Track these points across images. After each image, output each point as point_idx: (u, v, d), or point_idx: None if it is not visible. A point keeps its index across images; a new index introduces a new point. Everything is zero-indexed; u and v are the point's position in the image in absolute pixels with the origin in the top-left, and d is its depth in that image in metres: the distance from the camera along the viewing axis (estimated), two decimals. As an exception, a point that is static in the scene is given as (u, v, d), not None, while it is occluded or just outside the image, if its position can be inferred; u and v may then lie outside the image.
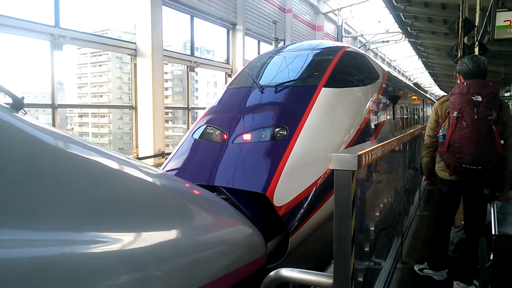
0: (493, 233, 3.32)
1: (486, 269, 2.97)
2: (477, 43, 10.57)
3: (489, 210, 3.45)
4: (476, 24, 10.66)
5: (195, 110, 13.02)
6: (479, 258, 3.12)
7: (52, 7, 8.18)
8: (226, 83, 7.27)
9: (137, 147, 10.35)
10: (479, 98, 3.04)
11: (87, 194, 1.83)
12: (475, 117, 3.02)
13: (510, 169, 3.24)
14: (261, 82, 5.24)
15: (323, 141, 4.36)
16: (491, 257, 2.97)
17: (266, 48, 16.56)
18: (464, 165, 3.08)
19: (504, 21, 8.86)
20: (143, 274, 1.78)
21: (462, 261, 3.41)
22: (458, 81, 3.39)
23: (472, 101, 3.05)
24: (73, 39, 8.55)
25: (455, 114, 3.09)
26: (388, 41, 28.74)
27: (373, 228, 2.55)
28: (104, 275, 1.62)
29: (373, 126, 5.34)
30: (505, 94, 35.83)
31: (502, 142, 3.06)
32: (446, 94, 3.56)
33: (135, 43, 10.22)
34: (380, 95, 5.79)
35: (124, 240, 1.80)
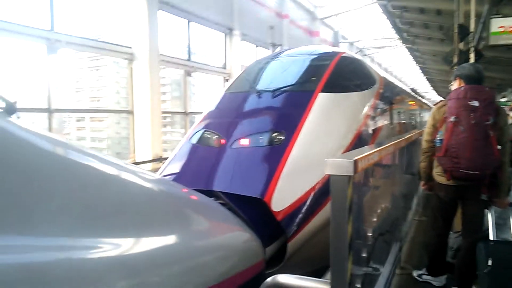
0: (491, 238, 3.32)
1: (485, 274, 2.97)
2: (472, 49, 10.63)
3: (487, 215, 3.45)
4: (471, 30, 10.74)
5: (193, 115, 13.01)
6: (477, 263, 3.12)
7: (48, 11, 8.18)
8: (223, 87, 7.31)
9: (134, 152, 10.33)
10: (476, 103, 3.05)
11: (82, 200, 1.82)
12: (472, 121, 3.03)
13: (506, 175, 3.24)
14: (259, 87, 5.25)
15: (320, 146, 4.35)
16: (489, 263, 2.97)
17: (264, 53, 16.59)
18: (461, 170, 3.08)
19: (499, 27, 8.94)
20: (139, 281, 1.76)
21: (461, 267, 3.40)
22: (456, 85, 3.40)
23: (469, 106, 3.06)
24: (69, 43, 8.55)
25: (452, 118, 3.10)
26: (384, 47, 28.87)
27: (371, 234, 2.54)
28: (100, 282, 1.60)
29: (370, 131, 5.34)
30: (501, 100, 36.09)
31: (499, 147, 3.07)
32: (443, 99, 3.56)
33: (131, 48, 10.23)
34: (377, 101, 5.80)
35: (119, 246, 1.78)
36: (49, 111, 8.05)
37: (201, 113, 5.57)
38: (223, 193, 3.93)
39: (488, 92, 3.14)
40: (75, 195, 1.80)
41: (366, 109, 5.27)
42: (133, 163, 9.88)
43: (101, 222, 1.82)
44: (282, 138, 4.33)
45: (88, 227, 1.72)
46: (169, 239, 2.15)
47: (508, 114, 3.36)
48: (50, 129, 8.13)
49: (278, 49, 15.27)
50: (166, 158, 5.29)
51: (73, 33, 8.83)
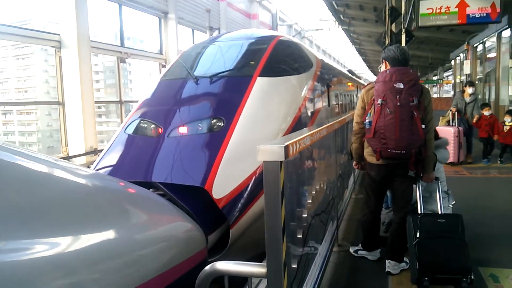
0: (419, 212, 3.54)
1: (414, 246, 3.17)
2: (404, 30, 11.12)
3: (414, 190, 3.66)
4: (402, 12, 11.20)
5: (130, 103, 12.60)
6: (407, 236, 3.32)
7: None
8: (160, 73, 7.12)
9: (67, 145, 9.86)
10: (401, 85, 3.18)
11: (9, 201, 1.73)
12: (398, 103, 3.16)
13: (431, 151, 3.45)
14: (196, 73, 5.17)
15: (260, 131, 4.39)
16: (418, 235, 3.18)
17: (201, 37, 16.34)
18: (389, 150, 3.22)
19: (427, 9, 9.41)
20: (75, 279, 1.71)
21: (393, 240, 3.59)
22: (383, 68, 3.53)
23: (394, 89, 3.18)
24: (-11, 31, 7.93)
25: (379, 101, 3.22)
26: (322, 29, 29.47)
27: (306, 215, 2.61)
28: (32, 283, 1.54)
29: (309, 114, 5.46)
30: (433, 78, 38.25)
31: (423, 126, 3.25)
32: (372, 82, 3.70)
33: (59, 35, 9.65)
34: (314, 83, 5.93)
35: (52, 245, 1.72)
36: (-31, 105, 7.46)
37: (137, 101, 5.40)
38: (162, 183, 3.86)
39: (413, 74, 3.28)
40: (2, 197, 1.71)
41: (304, 92, 5.37)
42: (66, 157, 9.45)
43: (31, 222, 1.75)
44: (221, 124, 4.32)
45: (17, 229, 1.65)
46: (106, 234, 2.10)
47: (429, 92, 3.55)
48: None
49: (215, 33, 15.11)
50: (101, 150, 5.09)
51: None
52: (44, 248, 1.68)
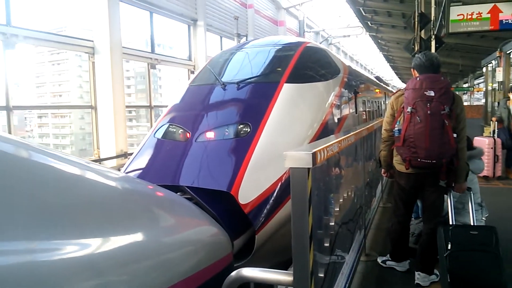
0: (450, 223, 3.44)
1: (445, 258, 3.08)
2: (433, 36, 10.90)
3: (446, 201, 3.56)
4: (432, 18, 10.99)
5: (159, 108, 12.81)
6: (438, 248, 3.22)
7: (3, 5, 7.83)
8: (188, 80, 7.21)
9: (98, 148, 10.09)
10: (432, 93, 3.11)
11: (44, 201, 1.77)
12: (428, 112, 3.09)
13: (464, 161, 3.35)
14: (224, 79, 5.21)
15: (286, 136, 4.37)
16: (449, 247, 3.08)
17: (229, 44, 16.48)
18: (419, 159, 3.15)
19: (458, 15, 9.18)
20: (103, 280, 1.74)
21: (422, 252, 3.50)
22: (413, 76, 3.47)
23: (425, 96, 3.11)
24: (27, 38, 8.25)
25: (409, 109, 3.15)
26: (349, 36, 29.21)
27: (334, 223, 2.58)
28: (62, 284, 1.57)
29: (336, 120, 5.41)
30: (464, 85, 37.31)
31: (455, 135, 3.16)
32: (402, 87, 3.63)
33: (92, 41, 9.93)
34: (341, 89, 5.88)
35: (82, 246, 1.75)
36: (8, 108, 7.75)
37: (166, 106, 5.49)
38: (189, 187, 3.90)
39: (444, 81, 3.20)
40: (35, 197, 1.76)
41: (331, 99, 5.32)
42: (97, 159, 9.67)
43: (63, 223, 1.78)
44: (248, 130, 4.33)
45: (50, 229, 1.69)
46: (135, 237, 2.13)
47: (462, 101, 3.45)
48: (9, 127, 7.84)
49: (243, 40, 15.21)
50: (131, 154, 5.20)
51: (32, 27, 8.52)
52: (75, 249, 1.72)
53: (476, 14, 8.99)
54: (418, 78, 3.22)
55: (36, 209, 1.72)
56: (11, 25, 7.89)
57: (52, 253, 1.61)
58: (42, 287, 1.48)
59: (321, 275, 2.19)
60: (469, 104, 35.35)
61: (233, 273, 2.09)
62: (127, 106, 11.10)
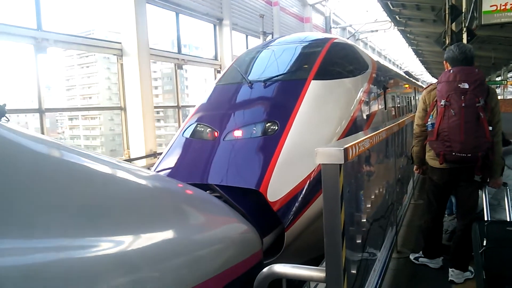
0: (485, 219, 3.34)
1: (480, 255, 2.99)
2: (465, 29, 10.59)
3: (480, 197, 3.46)
4: (463, 10, 10.67)
5: (186, 108, 12.97)
6: (473, 244, 3.14)
7: (34, 10, 8.08)
8: (215, 79, 7.27)
9: (128, 148, 10.30)
10: (466, 86, 3.03)
11: (78, 200, 1.82)
12: (463, 104, 3.01)
13: (499, 155, 3.25)
14: (250, 78, 5.22)
15: (314, 134, 4.35)
16: (484, 243, 3.00)
17: (254, 42, 16.50)
18: (453, 153, 3.07)
19: (491, 6, 8.88)
20: (136, 277, 1.78)
21: (456, 248, 3.42)
22: (446, 69, 3.39)
23: (459, 89, 3.04)
24: (57, 42, 8.48)
25: (442, 102, 3.08)
26: (377, 31, 28.74)
27: (365, 220, 2.55)
28: (97, 280, 1.61)
29: (364, 117, 5.34)
30: (496, 79, 36.12)
31: (490, 128, 3.07)
32: (434, 82, 3.55)
33: (120, 43, 10.14)
34: (370, 85, 5.79)
35: (116, 243, 1.80)
36: (40, 111, 8.00)
37: (193, 106, 5.55)
38: (218, 186, 3.93)
39: (478, 73, 3.12)
40: (69, 196, 1.81)
41: (359, 95, 5.25)
42: (127, 159, 9.87)
43: (97, 220, 1.83)
44: (276, 128, 4.33)
45: (84, 227, 1.73)
46: (167, 234, 2.16)
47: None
48: (42, 129, 8.10)
49: (269, 38, 15.19)
50: (160, 153, 5.28)
51: (61, 31, 8.77)
52: (108, 246, 1.76)
53: (510, 4, 8.67)
54: (451, 71, 3.14)
55: (72, 207, 1.76)
56: (42, 29, 8.13)
57: (87, 250, 1.65)
58: (77, 283, 1.52)
59: (354, 271, 2.17)
60: (502, 98, 34.21)
61: (265, 269, 2.09)
62: (155, 107, 11.28)
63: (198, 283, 2.11)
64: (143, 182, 2.50)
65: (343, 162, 1.74)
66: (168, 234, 2.18)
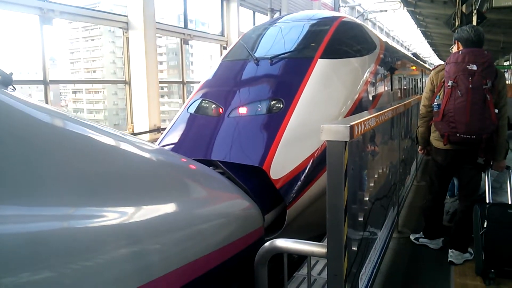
0: (487, 201, 3.35)
1: (480, 236, 3.02)
2: (475, 11, 10.40)
3: (483, 179, 3.46)
4: (474, -8, 10.46)
5: (191, 84, 12.90)
6: (473, 226, 3.16)
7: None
8: (221, 55, 7.18)
9: (132, 122, 10.30)
10: (474, 67, 3.00)
11: (83, 170, 1.83)
12: (470, 86, 2.99)
13: (504, 138, 3.24)
14: (257, 54, 5.17)
15: (319, 113, 4.33)
16: (485, 225, 3.02)
17: (262, 19, 16.27)
18: (458, 134, 3.06)
19: (503, -12, 8.71)
20: (139, 248, 1.80)
21: (457, 229, 3.45)
22: (455, 49, 3.34)
23: (467, 70, 3.01)
24: (63, 13, 8.37)
25: (450, 83, 3.06)
26: (386, 11, 28.27)
27: (368, 199, 2.56)
28: (101, 249, 1.64)
29: (370, 97, 5.30)
30: (505, 63, 35.62)
31: (496, 111, 3.05)
32: (442, 63, 3.51)
33: (126, 16, 10.02)
34: (377, 66, 5.73)
35: (120, 215, 1.82)
36: (45, 83, 7.97)
37: (198, 82, 5.52)
38: (221, 162, 3.94)
39: (487, 55, 3.08)
40: (75, 165, 1.82)
41: (366, 75, 5.21)
42: (131, 134, 9.89)
43: (101, 191, 1.84)
44: (281, 106, 4.31)
45: (89, 197, 1.75)
46: (169, 207, 2.19)
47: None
48: (46, 101, 8.08)
49: (276, 15, 14.97)
50: (164, 129, 5.28)
51: (67, 2, 8.66)
52: (111, 216, 1.78)
53: (522, -13, 8.49)
54: (460, 52, 3.10)
55: (75, 177, 1.77)
56: (48, 0, 8.04)
57: (90, 220, 1.68)
58: (80, 251, 1.55)
59: (354, 248, 2.19)
60: (510, 82, 33.82)
61: (267, 244, 2.12)
62: (160, 82, 11.22)
63: (200, 256, 2.14)
64: (147, 155, 2.51)
65: (348, 140, 1.74)
66: (171, 207, 2.20)
